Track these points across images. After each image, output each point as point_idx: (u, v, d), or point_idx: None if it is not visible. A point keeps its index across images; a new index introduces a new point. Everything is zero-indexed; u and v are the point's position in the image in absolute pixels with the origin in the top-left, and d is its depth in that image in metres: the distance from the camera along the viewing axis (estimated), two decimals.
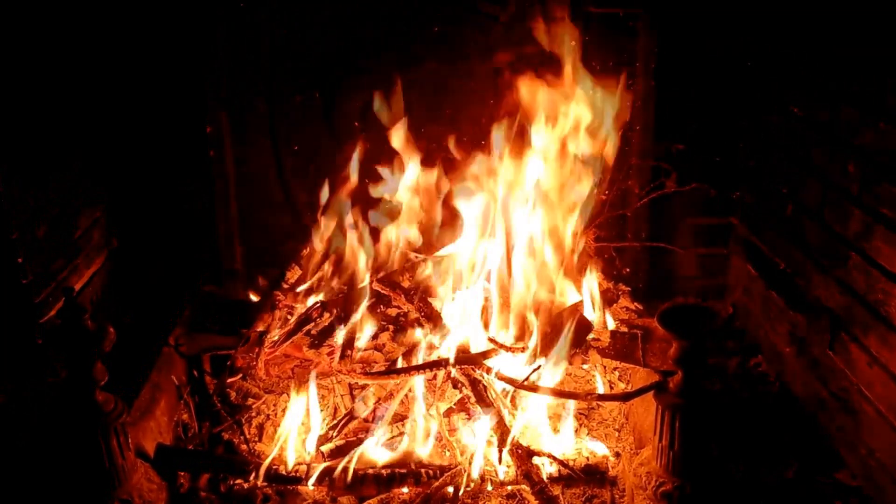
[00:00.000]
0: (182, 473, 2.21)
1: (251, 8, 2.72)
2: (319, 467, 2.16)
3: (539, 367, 2.27)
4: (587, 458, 2.28)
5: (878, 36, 2.08)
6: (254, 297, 2.88)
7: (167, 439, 2.31)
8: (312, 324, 2.63)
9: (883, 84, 2.05)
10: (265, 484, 2.19)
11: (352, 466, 2.16)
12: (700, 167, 2.84)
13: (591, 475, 2.22)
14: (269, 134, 2.87)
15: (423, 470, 2.16)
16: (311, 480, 2.14)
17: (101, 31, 2.68)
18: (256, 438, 2.39)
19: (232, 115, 2.83)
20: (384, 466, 2.19)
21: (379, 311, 2.68)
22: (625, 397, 2.23)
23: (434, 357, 2.41)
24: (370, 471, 2.17)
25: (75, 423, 1.89)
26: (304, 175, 2.93)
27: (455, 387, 2.43)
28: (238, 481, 2.21)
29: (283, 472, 2.17)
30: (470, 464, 2.17)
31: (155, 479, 2.08)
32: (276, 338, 2.58)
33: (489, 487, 2.18)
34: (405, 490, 2.16)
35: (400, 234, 2.83)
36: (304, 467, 2.18)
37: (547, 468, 2.21)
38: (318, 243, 2.82)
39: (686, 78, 2.79)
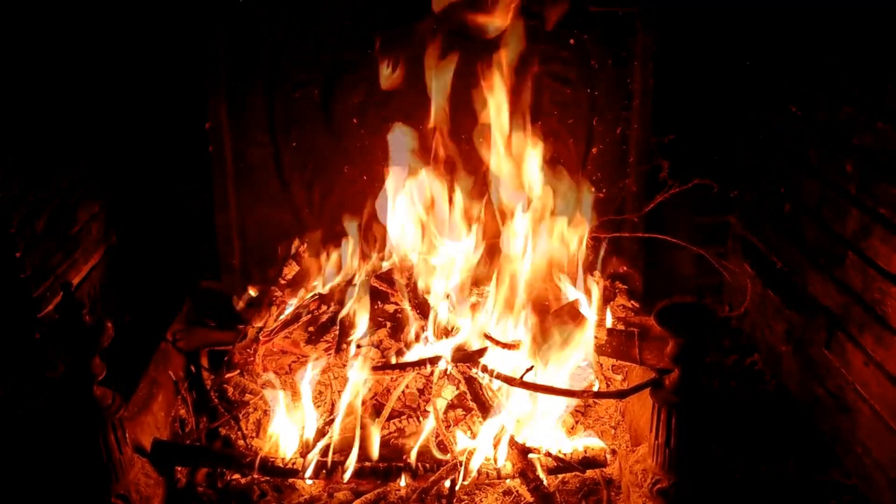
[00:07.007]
0: (179, 468, 2.22)
1: (251, 4, 2.72)
2: (315, 458, 2.16)
3: (533, 366, 2.27)
4: (584, 452, 2.28)
5: (877, 36, 2.08)
6: (252, 293, 2.88)
7: (164, 435, 2.32)
8: (309, 315, 2.63)
9: (882, 84, 2.05)
10: (262, 479, 2.19)
11: (350, 459, 2.16)
12: (699, 166, 2.84)
13: (588, 466, 2.22)
14: (268, 130, 2.87)
15: (419, 464, 2.17)
16: (308, 472, 2.14)
17: (103, 27, 2.68)
18: (254, 434, 2.40)
19: (231, 111, 2.83)
20: (381, 460, 2.20)
21: (377, 307, 2.68)
22: (620, 394, 2.24)
23: (431, 354, 2.41)
24: (367, 464, 2.18)
25: (73, 417, 1.89)
26: (303, 171, 2.94)
27: (452, 383, 2.43)
28: (235, 476, 2.21)
29: (280, 465, 2.18)
30: (466, 459, 2.17)
31: (152, 474, 2.08)
32: (273, 327, 2.59)
33: (486, 482, 2.19)
34: (402, 483, 2.16)
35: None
36: (300, 460, 2.18)
37: (544, 462, 2.21)
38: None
39: (684, 76, 2.79)
